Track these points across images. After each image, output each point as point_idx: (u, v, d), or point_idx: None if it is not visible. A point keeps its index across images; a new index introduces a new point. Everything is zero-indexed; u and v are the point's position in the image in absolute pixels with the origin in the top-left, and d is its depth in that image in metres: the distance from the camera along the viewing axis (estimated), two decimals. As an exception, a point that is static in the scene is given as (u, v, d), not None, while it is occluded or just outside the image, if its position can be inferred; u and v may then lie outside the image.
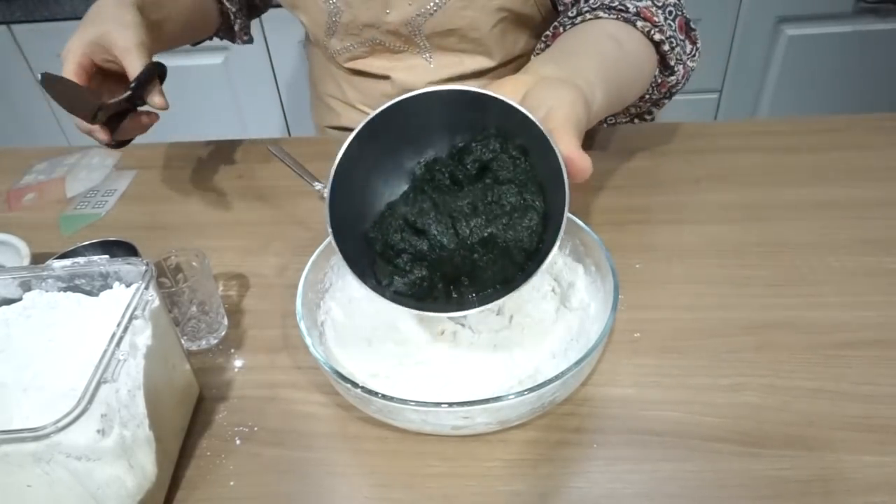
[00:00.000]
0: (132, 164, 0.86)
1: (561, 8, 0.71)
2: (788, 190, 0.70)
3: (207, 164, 0.84)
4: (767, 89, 1.54)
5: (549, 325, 0.53)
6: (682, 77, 0.65)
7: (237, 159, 0.85)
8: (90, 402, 0.37)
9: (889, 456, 0.45)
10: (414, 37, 0.77)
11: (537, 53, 0.70)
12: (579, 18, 0.63)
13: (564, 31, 0.65)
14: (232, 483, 0.48)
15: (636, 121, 0.74)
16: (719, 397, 0.50)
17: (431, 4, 0.73)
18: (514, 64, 0.82)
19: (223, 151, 0.87)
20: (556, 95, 0.46)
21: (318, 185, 0.63)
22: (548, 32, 0.68)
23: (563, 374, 0.44)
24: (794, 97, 1.55)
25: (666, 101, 0.68)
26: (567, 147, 0.42)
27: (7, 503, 0.40)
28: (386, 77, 0.82)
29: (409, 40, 0.78)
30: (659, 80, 0.65)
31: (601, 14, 0.62)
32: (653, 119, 0.76)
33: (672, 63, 0.63)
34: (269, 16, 1.43)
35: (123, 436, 0.40)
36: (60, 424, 0.36)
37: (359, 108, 0.88)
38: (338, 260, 0.59)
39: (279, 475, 0.48)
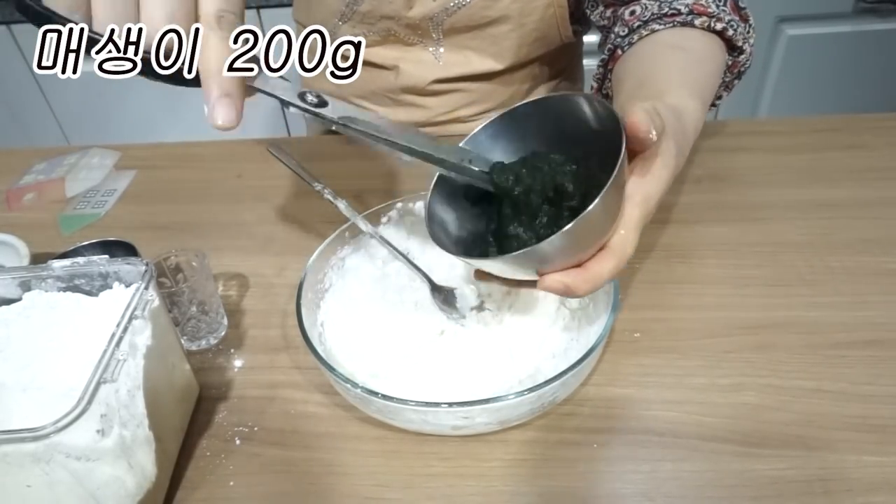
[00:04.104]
0: (132, 164, 0.86)
1: (602, 22, 0.71)
2: (788, 190, 0.70)
3: (207, 164, 0.85)
4: (767, 89, 1.54)
5: (549, 325, 0.53)
6: (749, 55, 0.66)
7: (237, 159, 0.85)
8: (90, 402, 0.37)
9: (889, 456, 0.45)
10: (431, 31, 0.78)
11: (597, 77, 0.70)
12: (635, 37, 0.64)
13: (622, 52, 0.65)
14: (232, 483, 0.48)
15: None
16: (719, 397, 0.50)
17: (453, 4, 0.74)
18: (522, 71, 0.82)
19: (223, 151, 0.87)
20: None
21: (317, 186, 0.63)
22: (604, 56, 0.68)
23: (563, 374, 0.44)
24: (793, 97, 1.55)
25: (737, 81, 0.70)
26: (631, 113, 0.39)
27: (7, 503, 0.40)
28: (394, 67, 0.82)
29: (425, 33, 0.79)
30: (730, 62, 0.67)
31: (655, 26, 0.63)
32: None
33: (740, 43, 0.64)
34: (269, 16, 1.44)
35: (123, 436, 0.40)
36: (60, 424, 0.36)
37: (354, 102, 0.87)
38: (337, 260, 0.59)
39: (279, 475, 0.48)
